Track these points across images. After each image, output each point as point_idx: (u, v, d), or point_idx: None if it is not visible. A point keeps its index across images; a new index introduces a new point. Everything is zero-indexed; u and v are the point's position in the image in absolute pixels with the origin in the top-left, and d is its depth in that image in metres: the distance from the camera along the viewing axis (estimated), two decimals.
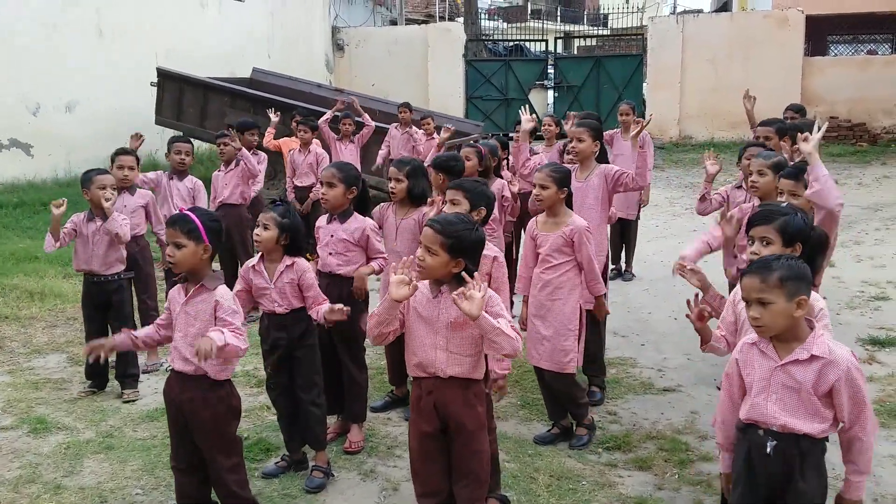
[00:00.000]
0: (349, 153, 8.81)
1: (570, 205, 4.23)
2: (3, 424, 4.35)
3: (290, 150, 8.25)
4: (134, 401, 4.74)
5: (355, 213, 4.17)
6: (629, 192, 5.36)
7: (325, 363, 4.03)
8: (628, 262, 7.68)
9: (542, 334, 4.15)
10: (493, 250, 3.56)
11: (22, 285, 6.95)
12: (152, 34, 13.06)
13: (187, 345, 3.11)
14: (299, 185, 7.98)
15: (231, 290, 3.28)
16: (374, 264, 4.19)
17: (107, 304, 4.85)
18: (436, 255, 2.89)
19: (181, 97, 11.70)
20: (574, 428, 4.26)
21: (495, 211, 4.82)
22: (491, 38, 23.68)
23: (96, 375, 4.89)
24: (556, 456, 4.03)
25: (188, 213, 3.13)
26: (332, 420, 4.25)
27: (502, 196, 5.63)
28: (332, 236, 4.16)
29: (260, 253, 3.77)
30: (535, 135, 7.44)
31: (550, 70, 19.61)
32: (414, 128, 9.78)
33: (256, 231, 3.72)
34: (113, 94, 12.15)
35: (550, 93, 19.53)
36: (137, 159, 5.45)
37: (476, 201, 3.63)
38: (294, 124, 8.33)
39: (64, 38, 11.56)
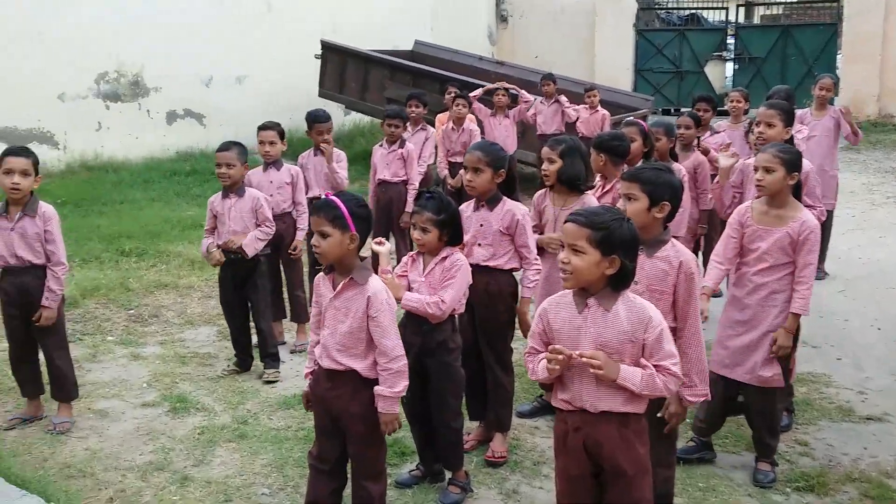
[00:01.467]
0: (503, 129, 8.30)
1: (797, 195, 3.59)
2: (146, 400, 4.31)
3: (442, 126, 7.89)
4: (274, 382, 4.59)
5: (504, 198, 3.71)
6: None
7: (468, 365, 3.63)
8: (821, 258, 6.72)
9: (744, 343, 3.53)
10: (680, 253, 2.96)
11: (185, 253, 7.08)
12: (319, 8, 13.17)
13: (336, 343, 2.82)
14: (453, 161, 7.61)
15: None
16: (528, 291, 3.76)
17: (244, 283, 4.71)
18: (583, 252, 2.39)
19: (343, 70, 11.71)
20: (756, 462, 3.61)
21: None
22: (664, 6, 22.25)
23: (241, 353, 4.79)
24: (732, 493, 3.42)
25: (334, 198, 2.80)
26: (474, 425, 3.86)
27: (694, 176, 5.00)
28: (480, 225, 3.73)
29: None
30: (716, 110, 6.68)
31: (730, 41, 18.08)
32: (563, 98, 9.15)
33: (415, 234, 3.35)
34: (280, 67, 12.36)
35: (730, 65, 17.99)
36: (281, 133, 5.28)
37: (657, 194, 2.91)
38: (450, 98, 7.96)
39: (235, 13, 11.86)
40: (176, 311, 5.80)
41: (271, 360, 4.72)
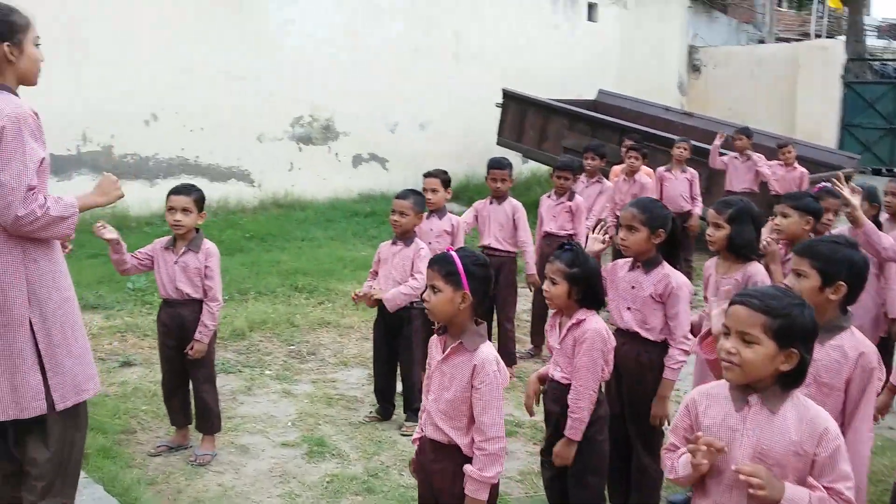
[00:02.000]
0: (678, 184, 7.83)
1: None
2: (287, 439, 4.36)
3: (614, 179, 7.58)
4: (411, 436, 4.48)
5: (663, 263, 3.40)
6: None
7: (614, 446, 3.33)
8: None
9: None
10: (860, 344, 2.53)
11: (351, 293, 7.23)
12: (503, 56, 13.36)
13: (439, 411, 2.65)
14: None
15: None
16: (670, 373, 3.40)
17: (396, 333, 4.67)
18: (756, 343, 2.05)
19: (523, 118, 11.73)
20: None
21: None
22: (879, 57, 20.46)
23: (384, 403, 4.76)
24: None
25: (452, 253, 2.67)
26: None
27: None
28: (632, 287, 3.44)
29: None
30: None
31: None
32: (758, 155, 8.51)
33: (544, 286, 3.17)
34: (461, 114, 12.63)
35: None
36: (446, 182, 5.26)
37: (832, 272, 2.55)
38: (624, 150, 7.66)
39: (423, 61, 12.28)
40: (333, 350, 5.91)
41: (413, 413, 4.62)
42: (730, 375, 2.10)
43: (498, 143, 11.82)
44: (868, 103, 16.18)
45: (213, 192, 10.08)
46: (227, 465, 4.00)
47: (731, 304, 2.14)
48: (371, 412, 4.77)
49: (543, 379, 3.31)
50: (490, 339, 5.57)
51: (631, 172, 7.33)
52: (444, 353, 2.67)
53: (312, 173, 11.14)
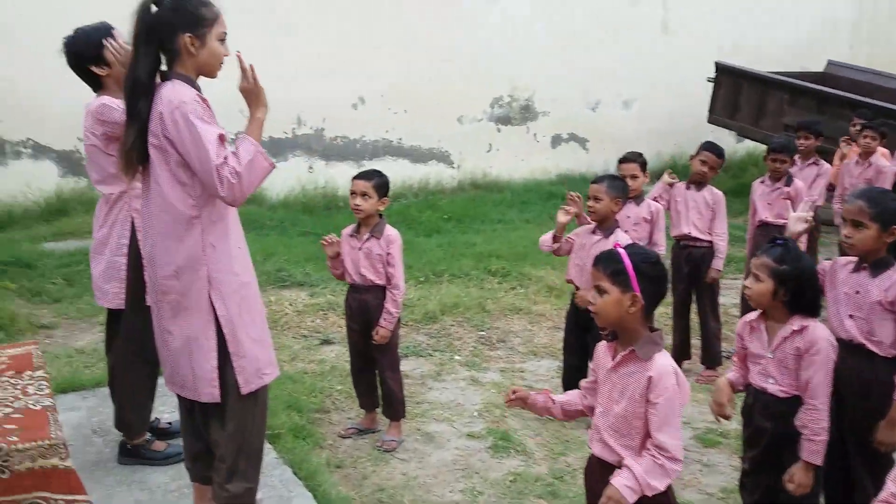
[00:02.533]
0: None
1: None
2: (473, 430, 4.32)
3: (844, 161, 6.76)
4: None
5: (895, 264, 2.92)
6: None
7: (831, 479, 2.95)
8: None
9: None
10: None
11: (545, 278, 7.09)
12: (718, 27, 12.41)
13: (608, 426, 2.43)
14: None
15: None
16: None
17: (589, 323, 4.45)
18: None
19: (738, 94, 10.84)
20: None
21: None
22: None
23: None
24: None
25: (620, 250, 2.42)
26: None
27: None
28: (856, 292, 3.00)
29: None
30: None
31: None
32: None
33: (747, 282, 2.84)
34: (670, 91, 11.90)
35: None
36: (643, 164, 4.93)
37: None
38: (856, 128, 6.81)
39: (628, 36, 11.72)
40: (523, 339, 5.80)
41: None
42: None
43: (709, 121, 11.05)
44: None
45: (415, 173, 10.35)
46: (412, 453, 4.02)
47: None
48: None
49: (734, 386, 2.98)
50: (689, 338, 5.29)
51: (866, 154, 6.50)
52: (613, 360, 2.45)
53: (510, 154, 11.06)
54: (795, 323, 2.76)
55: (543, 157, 11.34)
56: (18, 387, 2.61)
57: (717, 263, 5.16)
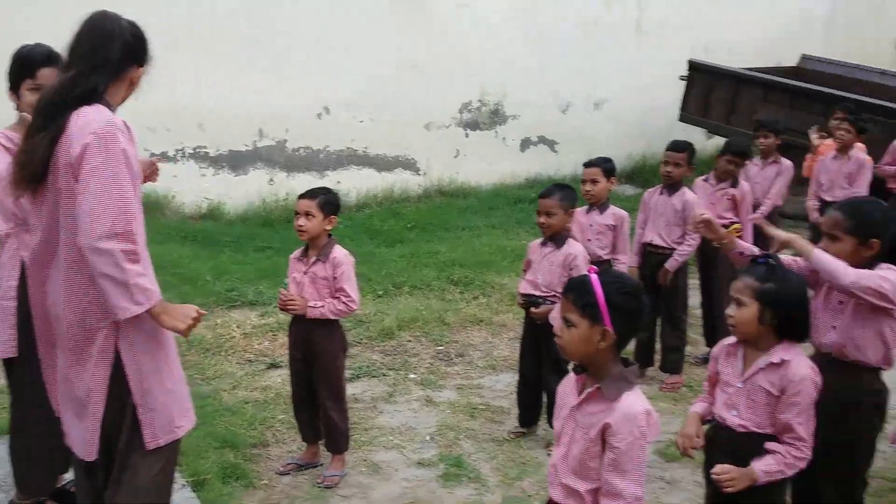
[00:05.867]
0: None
1: None
2: (424, 457, 4.02)
3: (819, 157, 6.54)
4: None
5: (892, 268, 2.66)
6: None
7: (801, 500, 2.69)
8: None
9: None
10: None
11: (509, 286, 6.80)
12: (694, 27, 12.21)
13: (568, 468, 2.14)
14: (829, 199, 6.22)
15: None
16: None
17: (543, 332, 4.17)
18: None
19: (710, 91, 10.65)
20: None
21: None
22: None
23: (523, 407, 4.32)
24: None
25: (594, 278, 2.12)
26: None
27: None
28: (839, 303, 2.74)
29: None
30: None
31: None
32: None
33: (728, 310, 2.55)
34: (641, 91, 11.67)
35: None
36: (608, 171, 4.68)
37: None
38: (834, 121, 6.58)
39: (602, 36, 11.49)
40: (483, 352, 5.51)
41: None
42: None
43: (681, 119, 10.88)
44: None
45: (380, 181, 10.04)
46: (355, 489, 3.71)
47: None
48: (515, 427, 4.33)
49: (702, 417, 2.69)
50: (653, 346, 5.03)
51: (843, 148, 6.27)
52: (579, 396, 2.15)
53: (478, 159, 10.78)
54: (776, 355, 2.48)
55: (512, 162, 11.07)
56: None
57: (669, 263, 4.89)
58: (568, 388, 2.23)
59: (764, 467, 2.45)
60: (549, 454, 3.94)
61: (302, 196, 3.70)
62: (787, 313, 2.46)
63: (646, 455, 2.08)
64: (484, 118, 10.99)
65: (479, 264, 7.29)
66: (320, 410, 3.79)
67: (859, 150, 6.37)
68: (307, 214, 3.63)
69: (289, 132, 9.58)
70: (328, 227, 3.71)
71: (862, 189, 6.09)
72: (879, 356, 2.73)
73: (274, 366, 5.10)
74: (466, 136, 10.83)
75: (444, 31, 10.27)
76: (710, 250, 5.22)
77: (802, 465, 2.48)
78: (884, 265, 2.67)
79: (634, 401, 2.08)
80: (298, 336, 3.77)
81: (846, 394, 2.73)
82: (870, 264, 2.67)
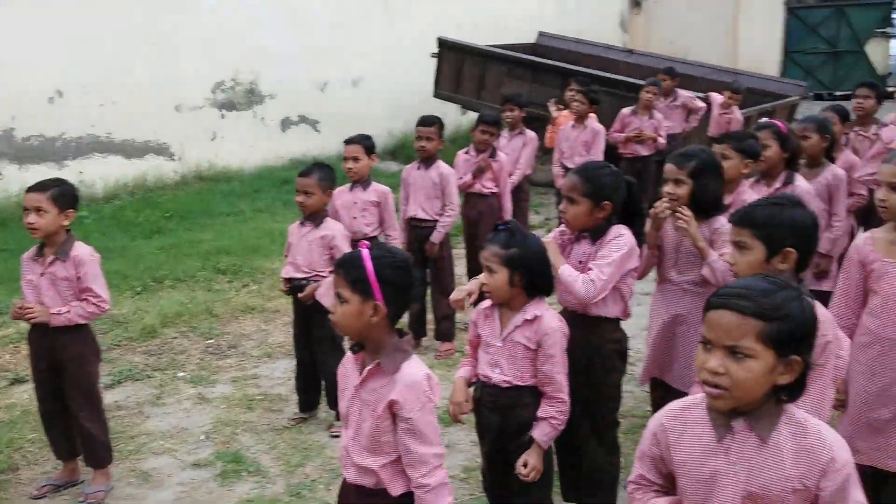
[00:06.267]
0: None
1: None
2: (199, 457, 3.83)
3: (561, 127, 7.07)
4: (340, 437, 3.99)
5: (613, 228, 2.92)
6: None
7: (563, 444, 2.92)
8: None
9: (883, 418, 2.76)
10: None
11: (279, 271, 6.64)
12: (440, 5, 12.61)
13: (361, 448, 2.14)
14: (570, 165, 6.76)
15: None
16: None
17: (309, 317, 4.13)
18: (751, 356, 1.59)
19: (460, 68, 11.08)
20: None
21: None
22: None
23: (303, 392, 4.27)
24: None
25: (363, 252, 2.12)
26: None
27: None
28: (580, 262, 2.97)
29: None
30: (882, 97, 5.63)
31: None
32: (685, 93, 8.12)
33: (482, 277, 2.67)
34: (396, 68, 11.90)
35: (895, 43, 16.01)
36: (369, 148, 4.71)
37: (776, 241, 2.26)
38: (570, 94, 7.13)
39: (351, 14, 11.50)
40: (257, 341, 5.36)
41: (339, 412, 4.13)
42: (719, 404, 1.63)
43: (435, 96, 11.20)
44: (810, 28, 15.86)
45: (130, 169, 9.33)
46: (124, 501, 3.46)
47: (709, 307, 1.65)
48: (295, 413, 4.27)
49: (468, 381, 2.83)
50: (424, 317, 5.19)
51: (580, 118, 6.82)
52: (360, 376, 2.15)
53: (237, 141, 10.40)
54: (529, 312, 2.64)
55: (273, 142, 10.83)
56: None
57: (434, 236, 5.07)
58: (349, 368, 2.23)
59: (543, 436, 2.66)
60: (332, 436, 3.96)
61: (29, 190, 3.33)
62: (532, 273, 2.64)
63: (435, 416, 2.14)
64: (240, 98, 10.59)
65: (246, 250, 7.05)
66: (74, 423, 3.45)
67: (593, 120, 6.98)
68: (38, 210, 3.27)
69: (16, 119, 8.56)
70: (65, 223, 3.36)
71: (597, 155, 6.68)
72: (619, 310, 3.02)
73: (18, 381, 4.58)
74: (223, 117, 10.38)
75: (192, 7, 9.71)
76: (474, 220, 5.49)
77: (566, 416, 2.69)
78: (617, 226, 2.95)
79: (414, 368, 2.12)
80: (41, 345, 3.40)
81: (590, 346, 2.99)
82: (605, 225, 2.94)
